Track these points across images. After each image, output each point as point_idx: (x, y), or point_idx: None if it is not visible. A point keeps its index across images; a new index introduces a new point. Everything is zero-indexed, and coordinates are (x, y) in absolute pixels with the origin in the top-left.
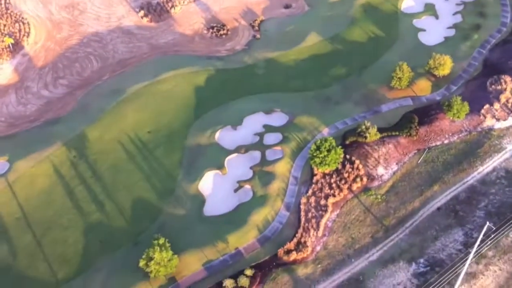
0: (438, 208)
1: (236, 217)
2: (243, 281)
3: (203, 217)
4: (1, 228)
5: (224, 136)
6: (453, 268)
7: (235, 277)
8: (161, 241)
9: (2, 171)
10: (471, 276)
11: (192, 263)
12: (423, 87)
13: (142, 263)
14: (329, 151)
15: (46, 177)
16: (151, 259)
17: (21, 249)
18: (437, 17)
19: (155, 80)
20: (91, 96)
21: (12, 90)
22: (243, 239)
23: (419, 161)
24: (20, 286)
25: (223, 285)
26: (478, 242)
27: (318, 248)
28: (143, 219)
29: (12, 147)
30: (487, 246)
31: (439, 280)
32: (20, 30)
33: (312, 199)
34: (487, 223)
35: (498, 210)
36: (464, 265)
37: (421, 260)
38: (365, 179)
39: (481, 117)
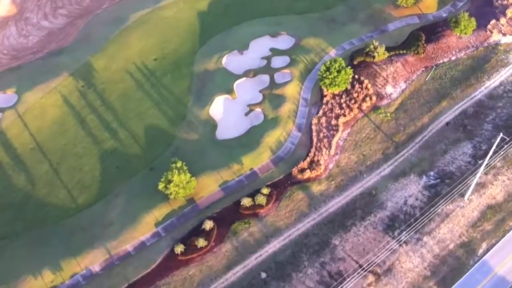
0: (447, 123)
1: (249, 140)
2: (260, 199)
3: (216, 141)
4: (17, 159)
5: (231, 61)
6: (463, 180)
7: (252, 196)
8: (179, 164)
9: (11, 103)
10: (481, 186)
11: (209, 185)
12: (429, 4)
13: (161, 186)
14: (338, 71)
15: (56, 108)
16: (170, 181)
17: (39, 178)
18: None
19: (156, 6)
20: (92, 25)
21: (12, 22)
22: (257, 160)
23: (427, 79)
24: (41, 213)
25: (241, 203)
26: (491, 153)
27: (330, 166)
28: (156, 145)
29: (18, 79)
30: (498, 157)
31: (450, 191)
32: None
33: (323, 120)
34: (501, 134)
35: (505, 123)
36: (474, 176)
37: (431, 173)
38: (374, 98)
39: (488, 32)
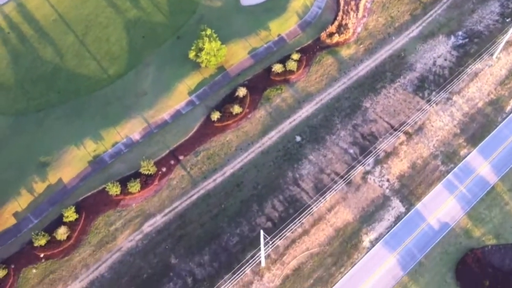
0: None
1: (274, 5)
2: (291, 64)
3: (240, 7)
4: (41, 31)
5: None
6: (492, 38)
7: (282, 62)
8: (208, 31)
9: None
10: (509, 44)
11: (238, 52)
12: None
13: (192, 55)
14: None
15: None
16: (200, 50)
17: (66, 49)
18: None
19: None
20: None
21: None
22: (284, 26)
23: None
24: (74, 85)
25: (272, 70)
26: None
27: (359, 29)
28: (180, 13)
29: None
30: None
31: (478, 51)
32: None
33: None
34: None
35: None
36: (503, 34)
37: (460, 33)
38: None
39: None
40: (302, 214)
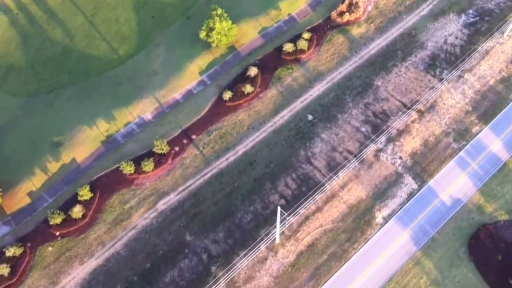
0: None
1: None
2: (302, 44)
3: None
4: (50, 12)
5: None
6: (503, 17)
7: (292, 41)
8: (219, 11)
9: None
10: None
11: (248, 32)
12: None
13: (202, 34)
14: None
15: None
16: (211, 29)
17: (76, 30)
18: None
19: None
20: None
21: None
22: (295, 5)
23: None
24: (84, 66)
25: (283, 49)
26: None
27: (369, 8)
28: None
29: None
30: None
31: (489, 29)
32: None
33: None
34: None
35: None
36: None
37: (470, 11)
38: None
39: None
40: (315, 192)
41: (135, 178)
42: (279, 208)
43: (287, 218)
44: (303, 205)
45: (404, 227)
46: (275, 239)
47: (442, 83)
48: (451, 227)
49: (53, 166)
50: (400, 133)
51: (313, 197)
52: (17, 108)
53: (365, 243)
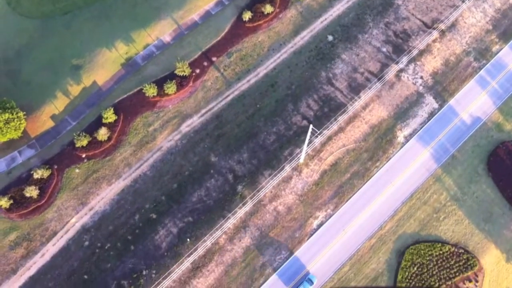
0: None
1: None
2: None
3: None
4: None
5: None
6: None
7: None
8: None
9: None
10: None
11: None
12: None
13: None
14: None
15: None
16: None
17: None
18: None
19: None
20: None
21: None
22: None
23: None
24: None
25: None
26: None
27: None
28: None
29: None
30: None
31: None
32: None
33: None
34: None
35: None
36: None
37: None
38: None
39: None
40: (338, 113)
41: (158, 100)
42: (311, 126)
43: (311, 138)
44: (325, 126)
45: (425, 146)
46: (299, 158)
47: (463, 1)
48: (470, 145)
49: (75, 89)
50: (421, 53)
51: (335, 118)
52: (33, 31)
53: (387, 162)
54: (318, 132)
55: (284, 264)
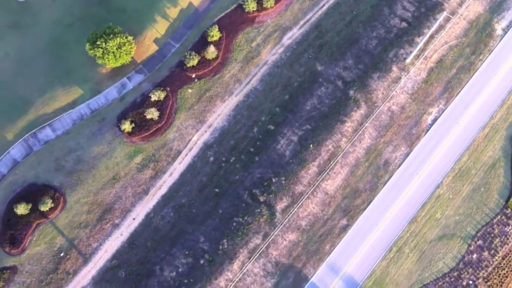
0: None
1: None
2: None
3: None
4: None
5: None
6: None
7: None
8: None
9: None
10: None
11: None
12: None
13: None
14: None
15: None
16: None
17: None
18: None
19: None
20: None
21: None
22: None
23: None
24: None
25: None
26: None
27: None
28: None
29: None
30: None
31: None
32: None
33: None
34: None
35: None
36: None
37: None
38: None
39: None
40: (435, 12)
41: (256, 16)
42: (444, 13)
43: (414, 39)
44: (425, 25)
45: None
46: (405, 59)
47: None
48: None
49: (172, 12)
50: None
51: (433, 17)
52: None
53: (489, 54)
54: (448, 14)
55: (406, 160)
